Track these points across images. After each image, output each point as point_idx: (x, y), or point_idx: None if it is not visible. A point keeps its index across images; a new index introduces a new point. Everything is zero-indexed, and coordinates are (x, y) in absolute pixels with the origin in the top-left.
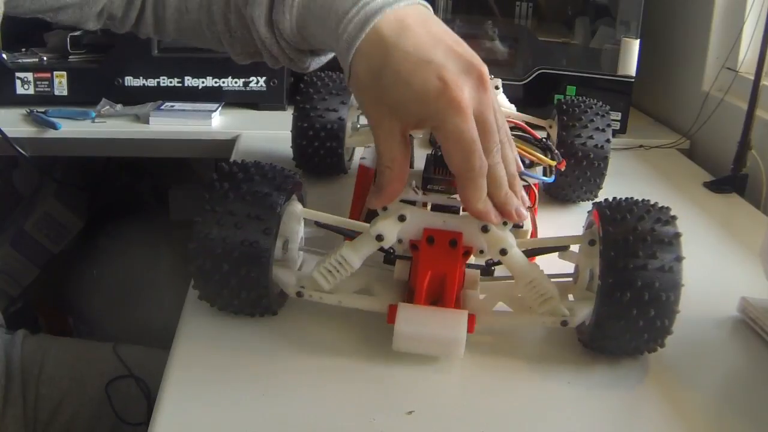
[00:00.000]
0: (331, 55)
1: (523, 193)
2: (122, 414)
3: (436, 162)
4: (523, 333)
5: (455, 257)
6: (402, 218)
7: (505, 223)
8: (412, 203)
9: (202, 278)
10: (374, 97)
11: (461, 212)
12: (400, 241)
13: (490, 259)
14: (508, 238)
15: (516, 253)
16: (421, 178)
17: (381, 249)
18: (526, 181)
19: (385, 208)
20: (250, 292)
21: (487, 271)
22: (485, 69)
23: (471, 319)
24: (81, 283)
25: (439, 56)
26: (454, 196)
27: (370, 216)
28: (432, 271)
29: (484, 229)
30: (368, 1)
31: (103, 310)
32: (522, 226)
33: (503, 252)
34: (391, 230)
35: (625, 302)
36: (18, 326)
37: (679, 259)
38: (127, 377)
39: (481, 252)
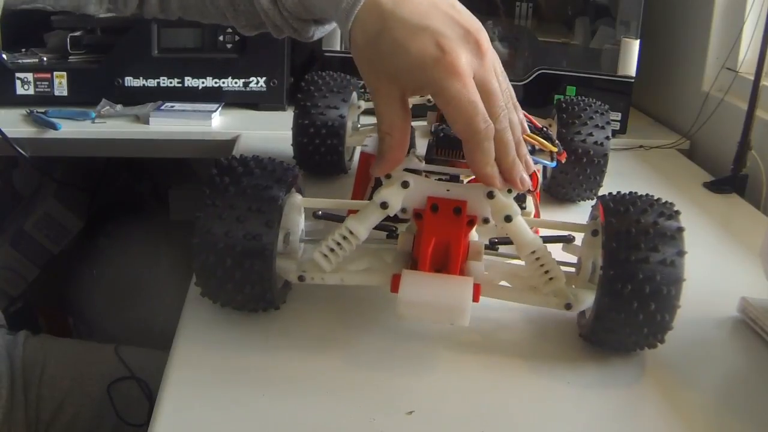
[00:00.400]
0: (333, 26)
1: (528, 157)
2: (124, 415)
3: (438, 143)
4: (523, 332)
5: (459, 225)
6: (405, 184)
7: (509, 191)
8: (417, 173)
9: (205, 274)
10: (373, 64)
11: (464, 182)
12: (404, 210)
13: (495, 238)
14: (513, 206)
15: (520, 221)
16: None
17: (385, 222)
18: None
19: (388, 176)
20: (254, 286)
21: (491, 248)
22: (484, 34)
23: (476, 288)
24: (81, 283)
25: (437, 23)
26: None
27: None
28: (436, 238)
29: (489, 195)
30: None
31: (103, 310)
32: (525, 207)
33: (508, 219)
34: (395, 197)
35: (626, 295)
36: (18, 326)
37: (681, 253)
38: (128, 378)
39: (486, 221)
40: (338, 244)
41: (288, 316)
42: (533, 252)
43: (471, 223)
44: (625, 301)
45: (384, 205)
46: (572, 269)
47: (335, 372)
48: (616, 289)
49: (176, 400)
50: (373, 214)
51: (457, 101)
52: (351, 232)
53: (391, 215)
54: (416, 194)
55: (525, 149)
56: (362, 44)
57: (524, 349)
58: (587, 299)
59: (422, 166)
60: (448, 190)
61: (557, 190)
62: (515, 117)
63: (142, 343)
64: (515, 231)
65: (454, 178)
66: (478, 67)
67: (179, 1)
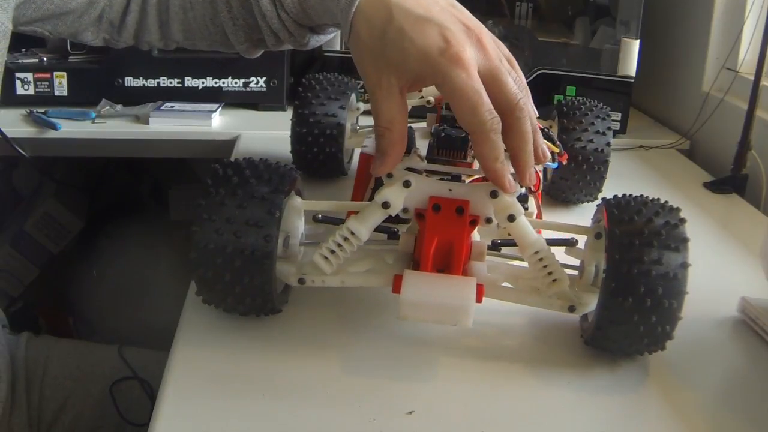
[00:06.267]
0: (329, 36)
1: (544, 146)
2: (126, 415)
3: (438, 144)
4: (524, 336)
5: (462, 225)
6: (407, 184)
7: None
8: (419, 173)
9: (204, 287)
10: (374, 55)
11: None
12: (405, 210)
13: (498, 239)
14: (516, 205)
15: (524, 221)
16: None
17: (385, 224)
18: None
19: (390, 176)
20: (255, 299)
21: (494, 250)
22: (485, 31)
23: (479, 288)
24: (81, 284)
25: (440, 16)
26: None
27: None
28: (438, 238)
29: (493, 195)
30: None
31: (104, 311)
32: (527, 208)
33: (511, 218)
34: (397, 197)
35: (627, 308)
36: (18, 326)
37: (684, 266)
38: (131, 379)
39: (488, 221)
40: (339, 245)
41: (288, 318)
42: (536, 252)
43: (473, 223)
44: (626, 314)
45: (386, 205)
46: (575, 272)
47: (335, 373)
48: (617, 302)
49: (176, 401)
50: (374, 214)
51: (461, 90)
52: (352, 233)
53: (393, 215)
54: (418, 194)
55: (541, 137)
56: (367, 36)
57: (525, 353)
58: (590, 302)
59: (424, 165)
60: (450, 190)
61: (557, 194)
62: (530, 107)
63: (143, 343)
64: (518, 231)
65: (456, 178)
66: (483, 60)
67: (181, 24)
